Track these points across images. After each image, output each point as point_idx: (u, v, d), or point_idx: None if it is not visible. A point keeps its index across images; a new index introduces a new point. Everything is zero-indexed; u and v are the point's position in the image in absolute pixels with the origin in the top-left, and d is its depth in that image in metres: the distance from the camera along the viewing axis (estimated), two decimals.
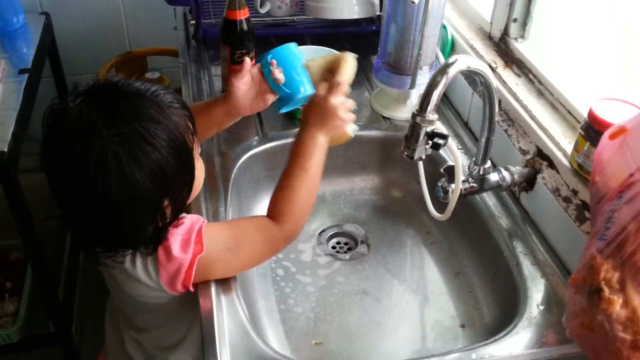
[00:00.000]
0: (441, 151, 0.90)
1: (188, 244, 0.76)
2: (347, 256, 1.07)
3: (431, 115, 0.74)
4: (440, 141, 0.75)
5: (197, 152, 0.80)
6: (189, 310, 0.86)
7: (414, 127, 0.75)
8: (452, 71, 0.73)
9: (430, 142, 0.76)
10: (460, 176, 0.84)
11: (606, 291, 0.61)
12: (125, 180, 0.69)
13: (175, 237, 0.76)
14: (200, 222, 0.79)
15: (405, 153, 0.78)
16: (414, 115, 0.75)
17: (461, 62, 0.74)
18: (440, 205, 0.94)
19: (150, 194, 0.71)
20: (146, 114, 0.71)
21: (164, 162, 0.71)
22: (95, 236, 0.76)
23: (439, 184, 0.92)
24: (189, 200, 0.81)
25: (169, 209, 0.75)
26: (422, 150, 0.76)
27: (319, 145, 0.86)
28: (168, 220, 0.76)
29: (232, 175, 1.04)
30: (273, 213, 0.84)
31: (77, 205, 0.73)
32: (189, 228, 0.78)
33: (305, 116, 0.88)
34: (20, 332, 1.45)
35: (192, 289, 0.80)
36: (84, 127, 0.68)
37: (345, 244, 1.10)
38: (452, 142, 0.81)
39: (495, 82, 0.84)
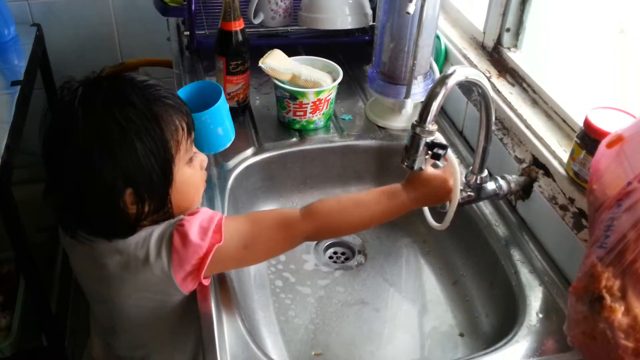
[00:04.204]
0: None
1: (206, 232, 0.75)
2: (344, 266, 1.07)
3: (431, 125, 0.74)
4: (440, 151, 0.75)
5: (186, 157, 0.79)
6: (183, 330, 0.85)
7: (414, 138, 0.76)
8: (451, 82, 0.74)
9: (430, 152, 0.76)
10: (459, 186, 0.84)
11: (608, 299, 0.61)
12: (84, 154, 0.71)
13: (193, 224, 0.75)
14: (220, 215, 0.78)
15: (405, 163, 0.78)
16: (413, 126, 0.75)
17: (460, 73, 0.74)
18: (437, 215, 0.94)
19: (109, 176, 0.71)
20: (124, 97, 0.72)
21: (129, 145, 0.71)
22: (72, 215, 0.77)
23: None
24: (177, 207, 0.79)
25: (134, 202, 0.74)
26: (422, 160, 0.77)
27: (403, 206, 0.85)
28: (135, 214, 0.74)
29: (229, 186, 1.04)
30: (307, 208, 0.83)
31: (51, 180, 0.76)
32: (209, 218, 0.77)
33: (419, 183, 0.85)
34: (13, 347, 1.43)
35: (204, 282, 0.79)
36: (63, 106, 0.73)
37: (342, 254, 1.10)
38: (450, 153, 0.81)
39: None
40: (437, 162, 0.79)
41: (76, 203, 0.75)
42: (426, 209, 0.95)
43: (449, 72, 0.75)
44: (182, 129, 0.77)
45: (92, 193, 0.73)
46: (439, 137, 0.77)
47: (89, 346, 0.96)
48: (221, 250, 0.76)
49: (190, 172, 0.80)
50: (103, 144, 0.71)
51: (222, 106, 0.98)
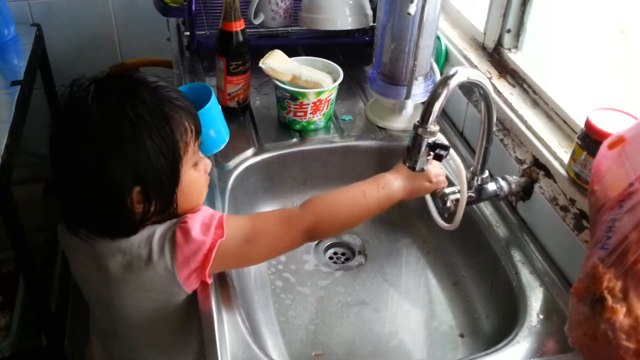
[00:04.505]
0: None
1: (209, 228, 0.76)
2: (344, 267, 1.07)
3: (433, 126, 0.74)
4: (442, 152, 0.75)
5: (193, 159, 0.79)
6: (184, 331, 0.85)
7: (416, 139, 0.76)
8: (453, 83, 0.74)
9: (432, 153, 0.76)
10: (465, 185, 0.84)
11: (609, 300, 0.62)
12: (95, 150, 0.70)
13: (195, 222, 0.76)
14: (221, 213, 0.79)
15: (408, 164, 0.78)
16: (415, 127, 0.75)
17: (462, 74, 0.74)
18: (440, 215, 0.94)
19: (119, 173, 0.71)
20: (137, 96, 0.72)
21: (139, 143, 0.71)
22: (74, 212, 0.77)
23: (437, 194, 0.92)
24: (180, 208, 0.79)
25: (141, 201, 0.74)
26: (424, 161, 0.77)
27: (393, 194, 0.87)
28: (140, 213, 0.74)
29: (229, 187, 1.04)
30: (305, 203, 0.84)
31: (57, 176, 0.75)
32: (210, 215, 0.78)
33: (404, 171, 0.87)
34: (12, 347, 1.43)
35: (208, 280, 0.79)
36: (75, 101, 0.72)
37: (343, 254, 1.10)
38: (453, 153, 0.81)
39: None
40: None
41: (82, 200, 0.75)
42: (433, 209, 0.95)
43: (451, 72, 0.75)
44: (191, 131, 0.77)
45: (100, 190, 0.72)
46: (441, 138, 0.78)
47: (89, 349, 0.95)
48: (224, 246, 0.76)
49: (195, 175, 0.80)
50: (115, 140, 0.71)
51: (214, 107, 0.97)
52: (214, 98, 0.96)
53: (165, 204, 0.76)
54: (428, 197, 0.97)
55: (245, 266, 0.87)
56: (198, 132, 0.79)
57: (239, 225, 0.79)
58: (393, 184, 0.87)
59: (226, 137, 1.02)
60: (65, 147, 0.73)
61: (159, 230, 0.76)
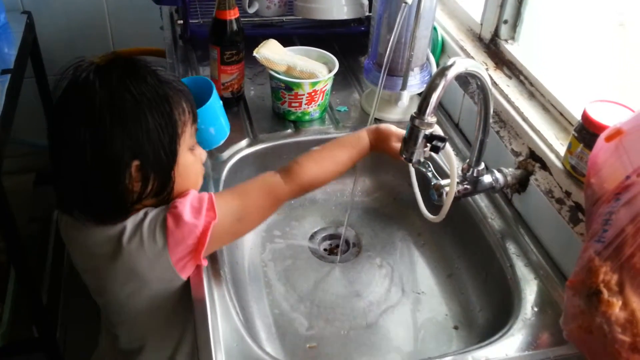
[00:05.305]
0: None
1: (199, 211, 0.76)
2: (339, 258, 1.06)
3: (430, 118, 0.73)
4: (439, 144, 0.74)
5: (189, 142, 0.80)
6: (179, 323, 0.85)
7: (413, 130, 0.75)
8: (451, 74, 0.73)
9: (428, 144, 0.75)
10: (455, 178, 0.83)
11: (605, 293, 0.61)
12: (97, 123, 0.71)
13: (185, 205, 0.76)
14: (208, 193, 0.79)
15: (404, 156, 0.78)
16: (412, 118, 0.75)
17: (459, 65, 0.74)
18: (433, 208, 0.94)
19: (119, 147, 0.71)
20: (138, 74, 0.74)
21: (140, 117, 0.72)
22: (69, 192, 0.77)
23: (433, 186, 0.92)
24: (176, 192, 0.79)
25: (139, 178, 0.74)
26: (421, 153, 0.76)
27: (361, 148, 0.93)
28: (137, 192, 0.75)
29: (223, 178, 1.03)
30: (286, 171, 0.87)
31: (53, 155, 0.76)
32: (198, 198, 0.78)
33: (385, 136, 0.94)
34: (3, 338, 1.42)
35: (204, 263, 0.80)
36: (79, 80, 0.73)
37: (337, 246, 1.10)
38: (447, 145, 0.81)
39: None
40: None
41: (79, 175, 0.74)
42: (420, 201, 0.94)
43: (449, 63, 0.74)
44: (189, 113, 0.78)
45: (99, 163, 0.72)
46: (438, 130, 0.77)
47: (100, 341, 0.97)
48: (217, 227, 0.77)
49: (192, 158, 0.81)
50: (116, 114, 0.72)
51: (215, 104, 0.95)
52: (215, 94, 0.94)
53: (162, 183, 0.77)
54: (416, 188, 0.96)
55: (237, 238, 0.92)
56: (195, 116, 0.81)
57: (228, 205, 0.80)
58: (361, 147, 0.93)
59: (227, 131, 1.01)
60: (66, 120, 0.73)
61: (149, 216, 0.76)
